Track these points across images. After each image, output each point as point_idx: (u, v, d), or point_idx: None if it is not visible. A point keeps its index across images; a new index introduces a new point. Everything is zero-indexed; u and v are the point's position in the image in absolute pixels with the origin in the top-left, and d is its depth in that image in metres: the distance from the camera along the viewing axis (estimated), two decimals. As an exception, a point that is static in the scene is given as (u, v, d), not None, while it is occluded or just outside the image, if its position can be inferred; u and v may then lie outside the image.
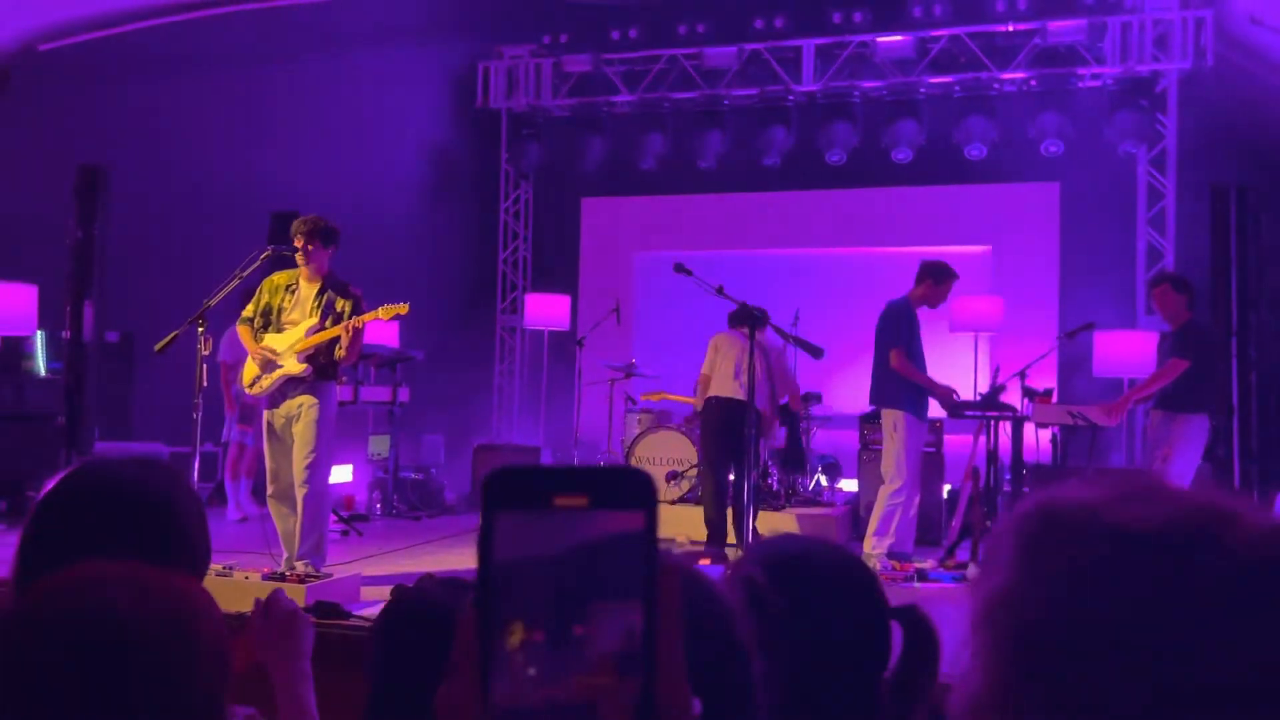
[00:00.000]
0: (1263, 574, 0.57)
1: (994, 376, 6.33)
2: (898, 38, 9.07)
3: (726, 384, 6.44)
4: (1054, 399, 6.51)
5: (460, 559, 6.28)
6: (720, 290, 6.19)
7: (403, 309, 5.09)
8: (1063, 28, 8.69)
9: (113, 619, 0.89)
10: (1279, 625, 0.56)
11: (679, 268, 5.57)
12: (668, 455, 7.43)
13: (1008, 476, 6.79)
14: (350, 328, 4.94)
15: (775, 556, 1.30)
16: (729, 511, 6.45)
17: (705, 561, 1.70)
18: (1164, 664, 0.56)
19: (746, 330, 6.37)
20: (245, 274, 5.04)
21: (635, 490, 0.59)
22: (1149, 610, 0.57)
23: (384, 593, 5.00)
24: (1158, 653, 0.57)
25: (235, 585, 4.60)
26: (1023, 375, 6.25)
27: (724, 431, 6.38)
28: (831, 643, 1.23)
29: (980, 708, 0.62)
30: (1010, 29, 8.99)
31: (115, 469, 1.47)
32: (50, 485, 1.43)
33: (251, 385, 5.14)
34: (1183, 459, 5.63)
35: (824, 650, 1.22)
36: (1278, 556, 0.57)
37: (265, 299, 5.18)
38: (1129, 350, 7.61)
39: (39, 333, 8.03)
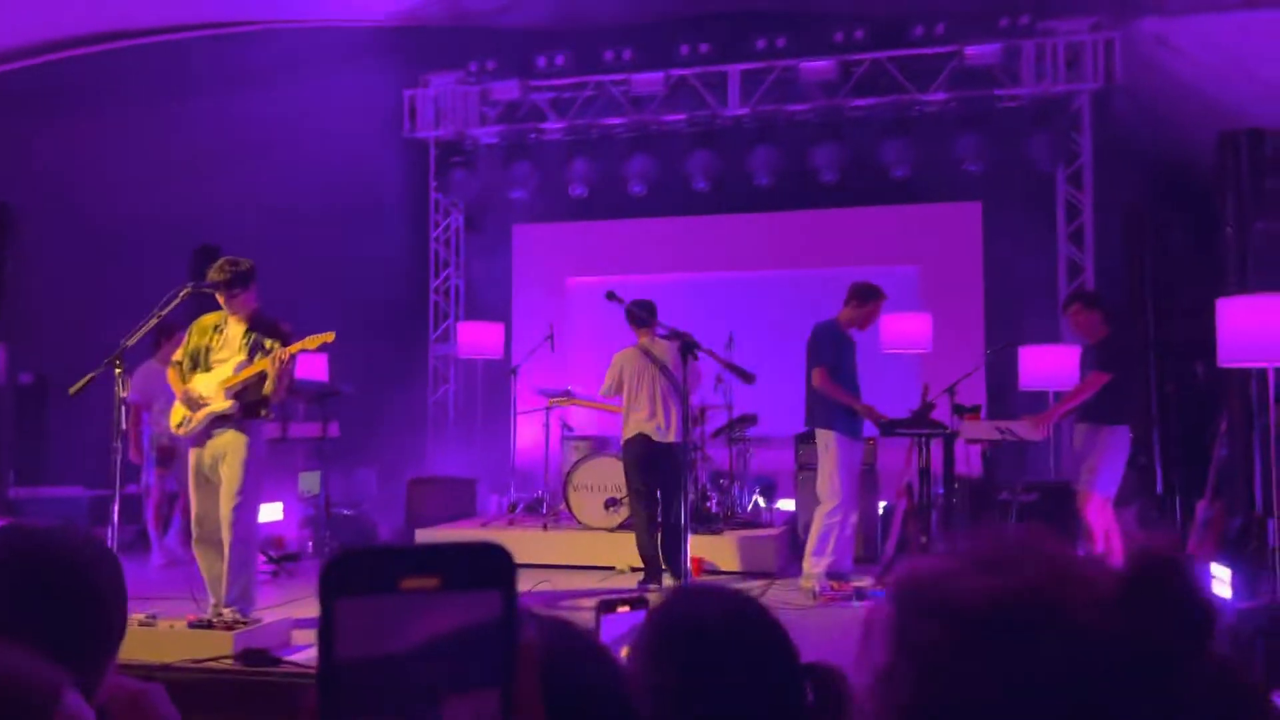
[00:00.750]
0: (1098, 647, 0.56)
1: (924, 394, 6.42)
2: (821, 62, 9.23)
3: (644, 419, 6.39)
4: (983, 415, 6.63)
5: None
6: (652, 309, 6.20)
7: (329, 337, 5.01)
8: (979, 51, 8.93)
9: None
10: (1107, 701, 0.55)
11: (611, 295, 5.57)
12: (606, 482, 7.39)
13: (940, 491, 6.88)
14: (278, 359, 4.84)
15: (667, 627, 1.23)
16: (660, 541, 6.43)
17: (624, 609, 1.61)
18: None
19: (643, 341, 6.39)
20: (164, 312, 4.91)
21: (490, 567, 0.55)
22: (994, 690, 0.57)
23: (315, 636, 4.88)
24: None
25: (159, 634, 4.45)
26: (952, 392, 6.35)
27: (648, 468, 6.37)
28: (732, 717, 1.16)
29: None
30: (929, 52, 9.21)
31: (32, 535, 1.40)
32: None
33: (179, 425, 5.04)
34: (1108, 469, 5.77)
35: None
36: (1106, 627, 0.56)
37: (194, 341, 5.12)
38: (1053, 364, 7.78)
39: (-52, 377, 7.72)
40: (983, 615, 0.58)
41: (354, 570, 0.55)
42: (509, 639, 0.55)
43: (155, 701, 1.53)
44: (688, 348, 5.08)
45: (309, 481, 8.13)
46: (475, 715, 0.53)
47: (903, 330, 8.50)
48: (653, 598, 1.54)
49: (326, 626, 0.54)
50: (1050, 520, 6.81)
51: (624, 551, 6.81)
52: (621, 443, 6.54)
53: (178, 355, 5.14)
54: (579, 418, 8.92)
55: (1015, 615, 0.58)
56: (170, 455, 7.18)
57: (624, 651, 1.24)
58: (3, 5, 7.74)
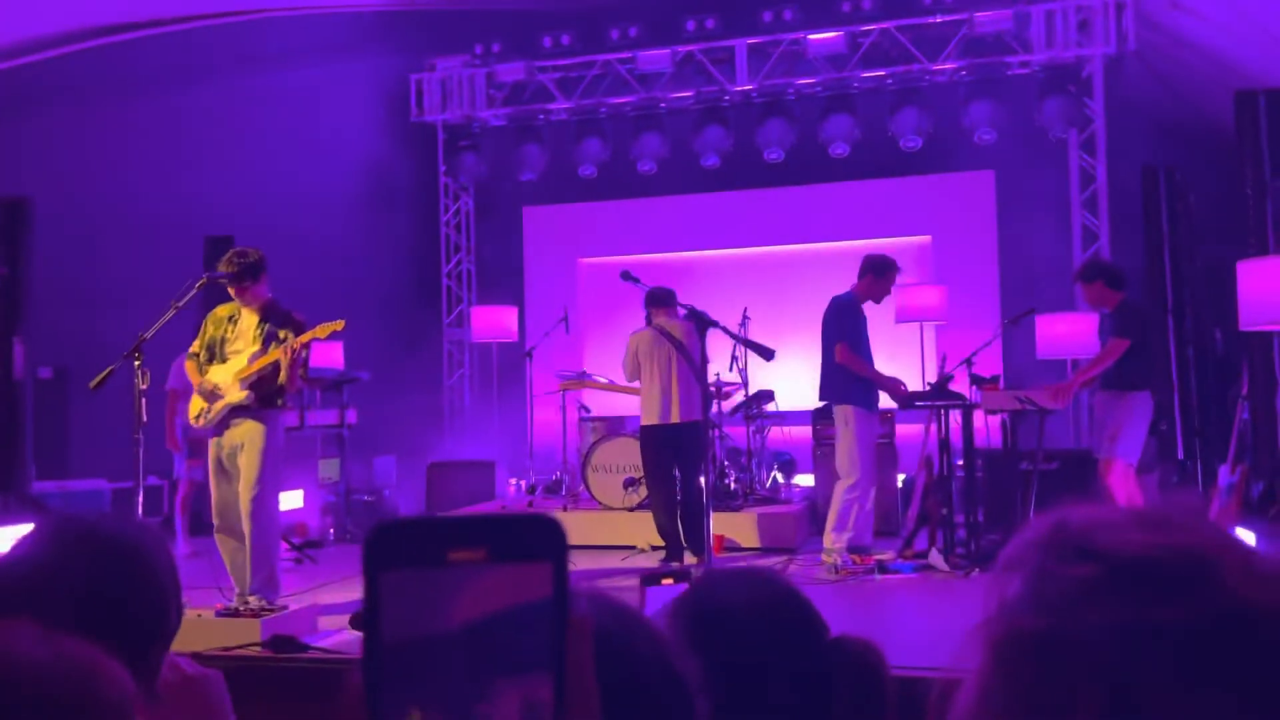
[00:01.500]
0: (1247, 617, 0.56)
1: (941, 365, 6.39)
2: (829, 34, 9.14)
3: (657, 405, 6.37)
4: (1001, 385, 6.59)
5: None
6: (670, 293, 6.19)
7: (338, 325, 5.01)
8: (989, 18, 8.82)
9: (13, 674, 0.86)
10: (1260, 677, 0.55)
11: (625, 275, 5.55)
12: (625, 462, 7.39)
13: (960, 463, 6.86)
14: (289, 349, 4.85)
15: (695, 613, 1.21)
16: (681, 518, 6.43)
17: (669, 581, 1.60)
18: (1141, 695, 0.55)
19: (660, 321, 6.38)
20: (182, 303, 4.91)
21: (540, 539, 0.53)
22: (1130, 638, 0.56)
23: (342, 621, 4.90)
24: (1136, 684, 0.56)
25: (188, 623, 4.46)
26: (969, 363, 6.31)
27: (665, 450, 6.36)
28: (765, 708, 1.15)
29: (967, 712, 0.61)
30: (938, 20, 9.11)
31: (91, 526, 1.40)
32: (28, 537, 1.37)
33: (197, 418, 5.08)
34: (1130, 436, 5.73)
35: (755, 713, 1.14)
36: (1265, 603, 0.56)
37: (209, 332, 5.15)
38: (1071, 332, 7.74)
39: (-33, 374, 7.76)
40: (1131, 563, 0.58)
41: (399, 542, 0.53)
42: (561, 615, 0.53)
43: (210, 689, 1.54)
44: (704, 326, 5.06)
45: (328, 468, 8.17)
46: (526, 695, 0.51)
47: (917, 302, 8.47)
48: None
49: (372, 602, 0.52)
50: (1072, 489, 6.78)
51: (644, 531, 6.82)
52: (641, 426, 6.54)
53: (194, 347, 5.17)
54: (595, 399, 8.92)
55: (1166, 570, 0.58)
56: (201, 446, 7.20)
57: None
58: (7, 3, 7.74)
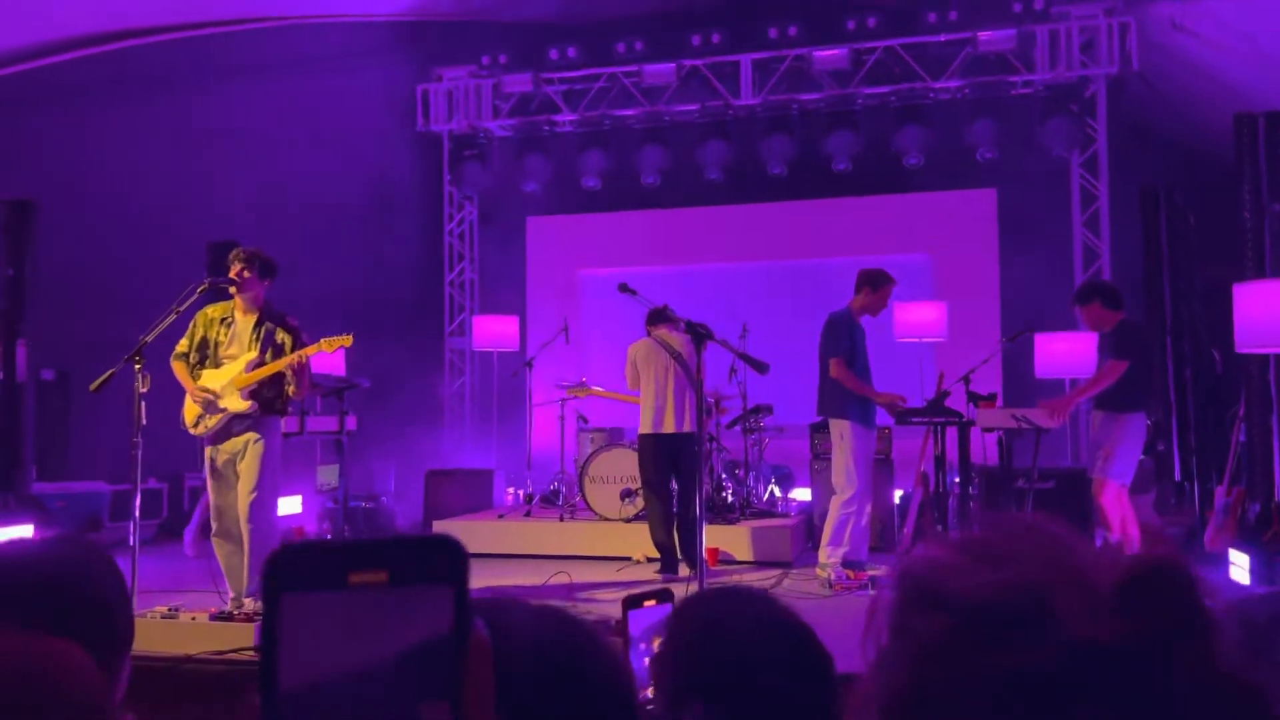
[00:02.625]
0: (1087, 649, 0.55)
1: (939, 382, 6.41)
2: (833, 51, 9.20)
3: (658, 411, 6.41)
4: (998, 402, 6.61)
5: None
6: (666, 309, 6.22)
7: (346, 341, 5.01)
8: (993, 37, 8.88)
9: None
10: (1095, 705, 0.54)
11: (624, 288, 5.57)
12: (621, 473, 7.41)
13: (956, 480, 6.87)
14: (295, 364, 4.86)
15: (696, 635, 1.18)
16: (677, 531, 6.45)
17: (651, 603, 1.59)
18: None
19: (660, 332, 6.42)
20: (183, 307, 4.92)
21: (441, 561, 0.53)
22: (984, 687, 0.56)
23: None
24: None
25: (182, 627, 4.50)
26: (967, 380, 6.33)
27: (662, 460, 6.40)
28: None
29: None
30: (942, 39, 9.16)
31: (29, 552, 1.41)
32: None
33: (195, 425, 5.02)
34: (1123, 456, 5.74)
35: None
36: (1100, 633, 0.55)
37: (200, 333, 5.07)
38: (1069, 351, 7.76)
39: (-30, 374, 7.80)
40: (975, 608, 0.57)
41: (300, 565, 0.52)
42: (460, 638, 0.52)
43: None
44: (702, 339, 5.08)
45: (327, 474, 8.20)
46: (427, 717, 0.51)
47: (917, 318, 8.49)
48: (676, 590, 1.51)
49: (270, 624, 0.51)
50: (1067, 508, 6.79)
51: (640, 542, 6.84)
52: (638, 435, 6.56)
53: (182, 346, 5.08)
54: (594, 409, 8.95)
55: (1006, 611, 0.56)
56: None
57: (655, 642, 1.22)
58: (23, 6, 7.81)
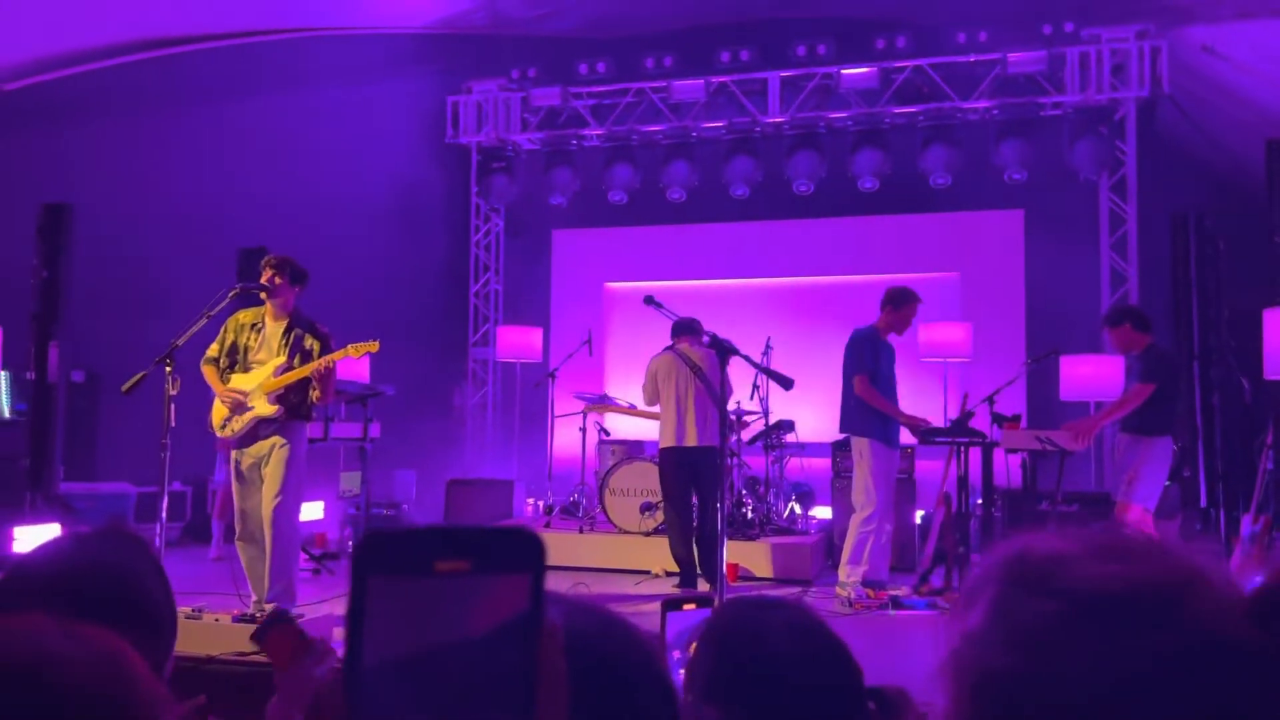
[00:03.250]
0: (1218, 651, 0.55)
1: (963, 403, 6.39)
2: (862, 69, 9.21)
3: (679, 425, 6.40)
4: (1023, 424, 6.57)
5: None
6: (695, 322, 6.24)
7: (373, 347, 5.05)
8: (1022, 59, 8.86)
9: (45, 663, 0.85)
10: (1239, 713, 0.54)
11: (649, 300, 5.59)
12: (642, 486, 7.41)
13: (979, 501, 6.83)
14: (322, 368, 4.90)
15: (731, 642, 1.19)
16: (696, 546, 6.45)
17: (690, 606, 1.60)
18: None
19: (681, 347, 6.42)
20: (213, 312, 4.98)
21: (522, 552, 0.55)
22: (1101, 676, 0.56)
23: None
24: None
25: (205, 628, 4.54)
26: (991, 401, 6.31)
27: (683, 474, 6.39)
28: None
29: None
30: (971, 60, 9.16)
31: (78, 548, 1.42)
32: (10, 569, 1.39)
33: (222, 427, 5.07)
34: (1148, 480, 5.69)
35: None
36: (1235, 635, 0.56)
37: (230, 338, 5.13)
38: (1095, 374, 7.71)
39: (3, 374, 7.92)
40: (1100, 599, 0.58)
41: (388, 550, 0.54)
42: (536, 624, 0.54)
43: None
44: (725, 353, 5.09)
45: (350, 481, 8.25)
46: (502, 700, 0.53)
47: (942, 338, 8.47)
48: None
49: (357, 606, 0.53)
50: (1090, 532, 6.73)
51: (659, 555, 6.84)
52: (659, 449, 6.57)
53: (213, 351, 5.15)
54: (616, 422, 8.96)
55: (1135, 605, 0.57)
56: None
57: (691, 648, 1.22)
58: (65, 13, 7.95)
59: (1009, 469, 6.53)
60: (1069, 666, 0.57)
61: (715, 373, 5.59)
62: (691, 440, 6.35)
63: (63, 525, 6.60)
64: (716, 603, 1.52)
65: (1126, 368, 6.21)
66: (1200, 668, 0.55)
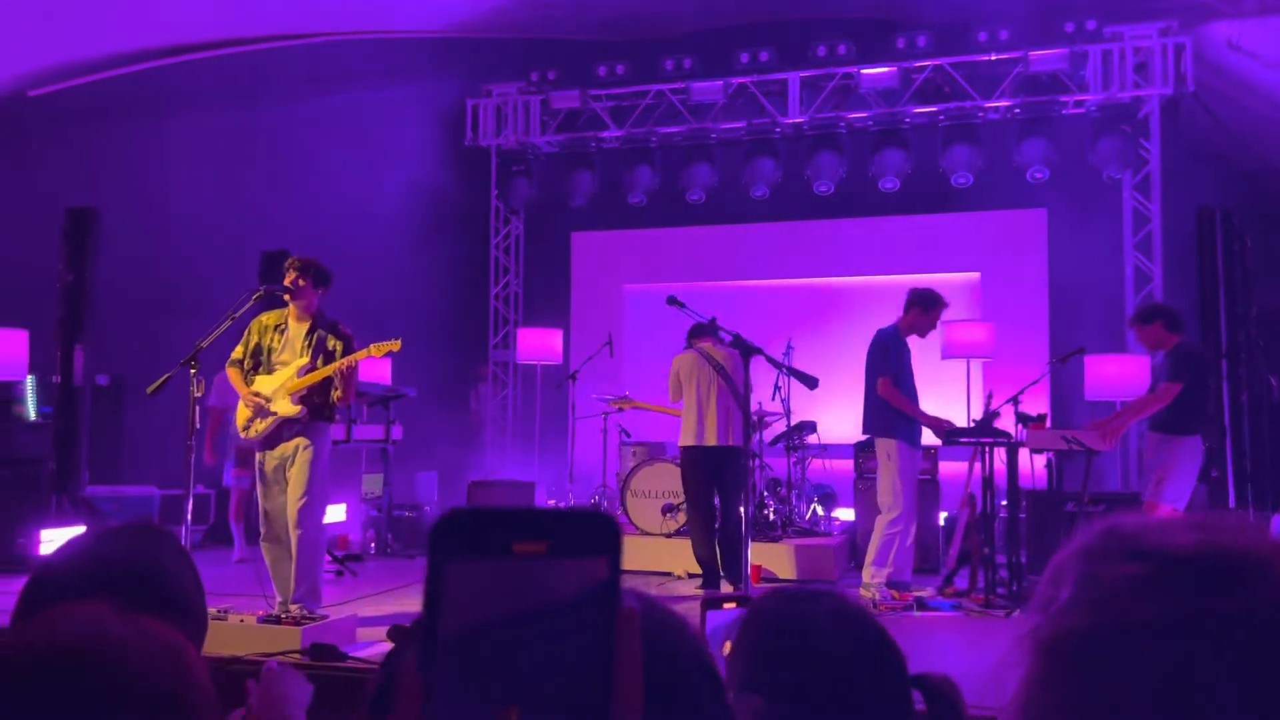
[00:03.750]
0: None
1: (987, 403, 6.34)
2: (882, 69, 9.17)
3: (702, 424, 6.37)
4: (1048, 424, 6.51)
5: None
6: (713, 322, 6.21)
7: (395, 345, 5.06)
8: (1044, 57, 8.80)
9: (112, 649, 0.85)
10: None
11: (672, 300, 5.58)
12: (663, 488, 7.40)
13: (1004, 502, 6.78)
14: (344, 367, 4.92)
15: (774, 629, 1.19)
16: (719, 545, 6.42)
17: (730, 605, 1.59)
18: (1195, 688, 0.56)
19: (704, 345, 6.39)
20: (237, 314, 5.00)
21: (598, 535, 0.55)
22: (1185, 633, 0.57)
23: (380, 633, 4.95)
24: (1189, 677, 0.57)
25: (231, 628, 4.55)
26: (1016, 401, 6.25)
27: (705, 474, 6.35)
28: None
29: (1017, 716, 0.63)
30: (992, 59, 9.11)
31: (109, 541, 1.42)
32: (42, 563, 1.39)
33: (246, 428, 5.08)
34: (1177, 481, 5.63)
35: None
36: None
37: (254, 339, 5.15)
38: (1120, 373, 7.64)
39: (29, 377, 7.98)
40: (1178, 559, 0.60)
41: (466, 530, 0.53)
42: (612, 608, 0.54)
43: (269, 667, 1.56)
44: (748, 353, 5.07)
45: (372, 483, 8.27)
46: (580, 684, 0.53)
47: (964, 337, 8.41)
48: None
49: (434, 587, 0.53)
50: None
51: (681, 557, 6.82)
52: (679, 447, 6.55)
53: (237, 353, 5.17)
54: (636, 423, 8.95)
55: (1221, 565, 0.59)
56: (249, 455, 7.38)
57: (725, 646, 1.22)
58: (88, 19, 8.02)
59: (1034, 469, 6.47)
60: (1149, 622, 0.59)
61: (739, 372, 5.56)
62: (712, 439, 6.33)
63: (88, 527, 6.65)
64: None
65: (1153, 366, 6.15)
66: (1268, 629, 0.57)
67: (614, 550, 0.55)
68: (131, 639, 0.85)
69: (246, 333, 5.21)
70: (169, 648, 0.87)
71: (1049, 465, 6.36)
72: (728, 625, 1.29)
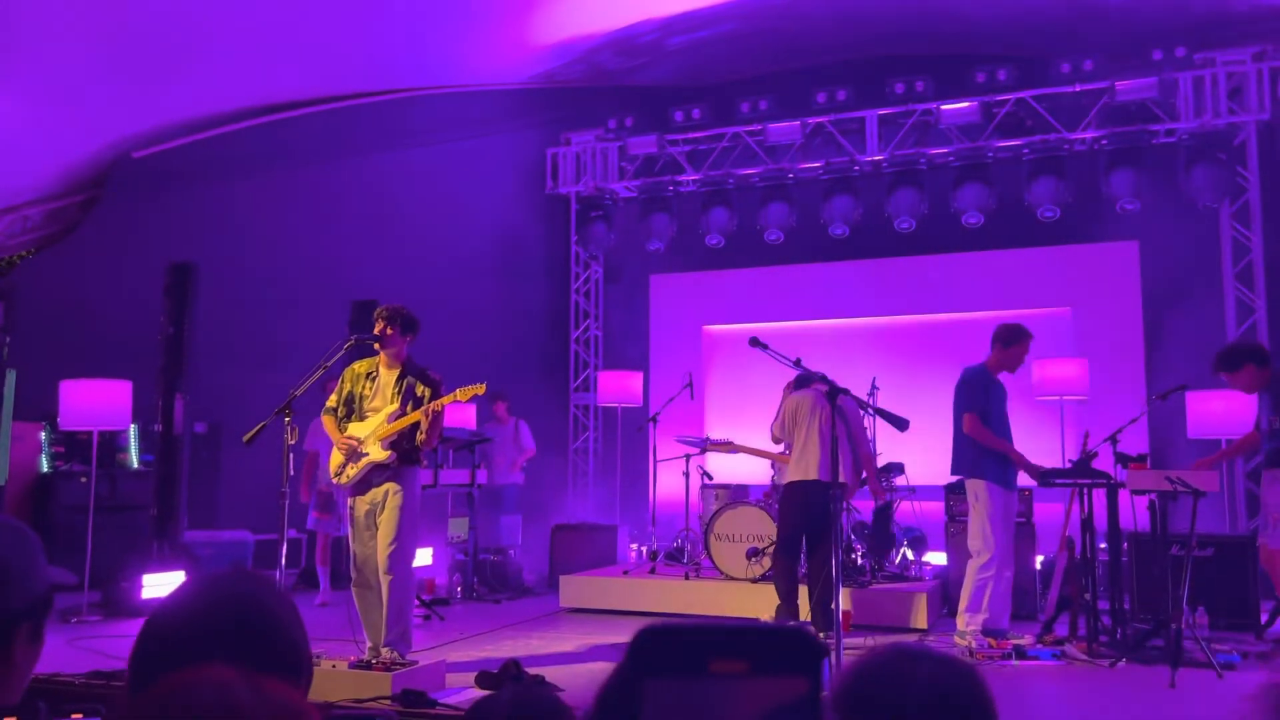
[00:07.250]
0: None
1: (1084, 442, 6.13)
2: (963, 104, 9.07)
3: (806, 463, 6.31)
4: (1148, 464, 6.26)
5: (542, 642, 6.22)
6: (798, 363, 6.15)
7: (480, 389, 5.12)
8: (1131, 86, 8.60)
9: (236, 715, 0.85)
10: None
11: (754, 342, 5.54)
12: (747, 531, 7.30)
13: (1104, 546, 6.52)
14: (429, 411, 4.99)
15: (870, 691, 1.13)
16: (802, 591, 6.31)
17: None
18: None
19: (822, 389, 6.31)
20: (329, 363, 5.12)
21: (799, 653, 0.53)
22: None
23: (468, 679, 4.96)
24: None
25: (323, 674, 4.60)
26: (1114, 440, 6.03)
27: (804, 515, 6.27)
28: None
29: None
30: (1077, 89, 8.93)
31: (220, 589, 1.44)
32: (154, 611, 1.42)
33: (338, 475, 5.18)
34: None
35: None
36: None
37: (347, 387, 5.27)
38: (1225, 410, 7.33)
39: (132, 426, 8.29)
40: None
41: (664, 649, 0.53)
42: None
43: None
44: (834, 394, 5.00)
45: (458, 527, 8.35)
46: None
47: (1057, 375, 8.17)
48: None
49: (630, 706, 0.52)
50: (1228, 577, 6.35)
51: (767, 602, 6.70)
52: (785, 484, 6.49)
53: (331, 401, 5.31)
54: (719, 466, 8.88)
55: None
56: (328, 501, 7.54)
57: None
58: (184, 85, 8.41)
59: (1135, 511, 6.21)
60: None
61: (856, 416, 5.50)
62: (812, 474, 6.24)
63: (187, 573, 6.83)
64: (832, 654, 1.45)
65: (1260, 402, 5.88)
66: None
67: (815, 669, 0.54)
68: (259, 711, 0.85)
69: (340, 381, 5.34)
70: (293, 714, 0.86)
71: (1151, 507, 6.10)
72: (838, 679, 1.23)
